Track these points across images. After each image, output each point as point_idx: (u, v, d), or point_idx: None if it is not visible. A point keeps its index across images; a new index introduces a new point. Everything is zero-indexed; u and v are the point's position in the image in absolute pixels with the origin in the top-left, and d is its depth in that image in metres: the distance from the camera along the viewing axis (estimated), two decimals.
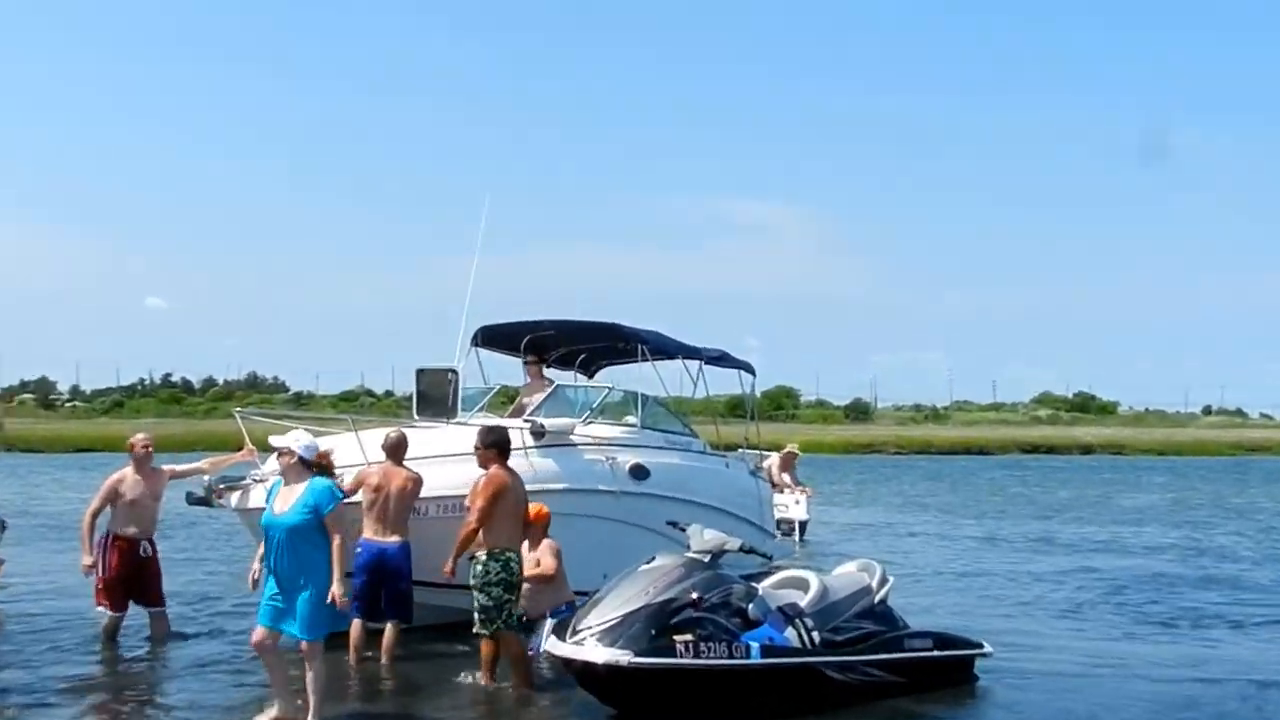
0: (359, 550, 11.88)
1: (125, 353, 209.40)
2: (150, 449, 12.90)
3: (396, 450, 12.39)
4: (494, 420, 15.46)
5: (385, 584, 11.98)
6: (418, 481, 12.23)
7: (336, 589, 9.34)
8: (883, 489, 45.15)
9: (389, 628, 12.02)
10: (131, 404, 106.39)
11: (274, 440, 10.18)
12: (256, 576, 9.77)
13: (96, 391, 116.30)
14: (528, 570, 11.14)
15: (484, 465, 11.26)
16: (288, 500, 9.52)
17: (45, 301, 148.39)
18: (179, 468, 13.39)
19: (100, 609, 12.74)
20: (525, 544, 11.26)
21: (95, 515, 12.61)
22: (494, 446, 11.26)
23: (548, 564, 11.24)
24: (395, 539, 12.03)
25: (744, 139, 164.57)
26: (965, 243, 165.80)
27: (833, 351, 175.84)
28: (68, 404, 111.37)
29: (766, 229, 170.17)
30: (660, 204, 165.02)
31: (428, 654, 12.38)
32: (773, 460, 24.59)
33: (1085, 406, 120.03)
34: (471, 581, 10.81)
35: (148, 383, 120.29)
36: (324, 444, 12.78)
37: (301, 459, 9.66)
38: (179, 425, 70.77)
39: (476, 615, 10.83)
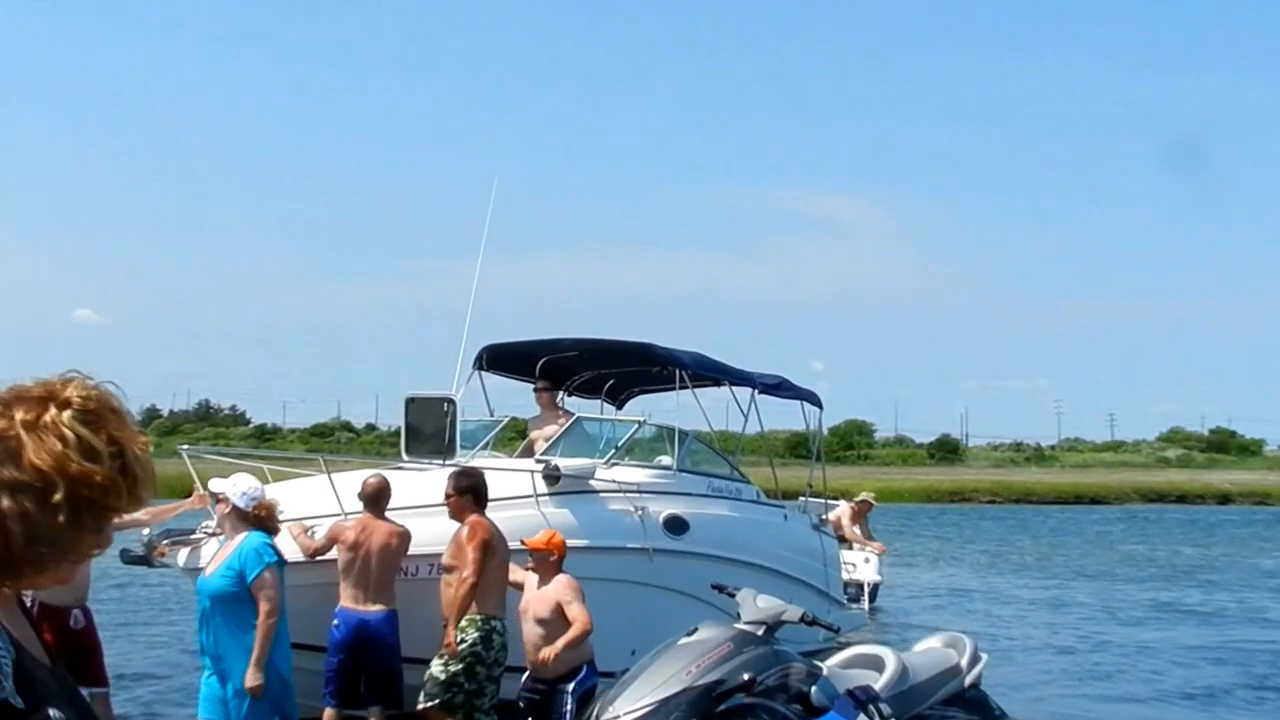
0: (335, 622, 11.85)
1: (48, 375, 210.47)
2: None
3: (377, 499, 12.24)
4: (502, 461, 15.49)
5: (367, 662, 11.90)
6: (404, 537, 12.12)
7: (250, 676, 9.28)
8: (973, 545, 44.96)
9: (372, 717, 11.99)
10: None
11: (213, 485, 10.19)
12: None
13: None
14: (540, 613, 11.10)
15: (457, 516, 11.30)
16: (218, 560, 9.52)
17: None
18: None
19: None
20: (535, 580, 11.32)
21: None
22: (469, 492, 11.31)
23: (579, 616, 11.03)
24: (378, 608, 11.94)
25: (806, 118, 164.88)
26: (1078, 245, 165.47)
27: (916, 378, 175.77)
28: None
29: (834, 226, 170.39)
30: (706, 196, 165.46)
31: None
32: (841, 510, 24.52)
33: (1223, 446, 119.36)
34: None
35: None
36: (290, 490, 12.80)
37: (237, 508, 9.65)
38: None
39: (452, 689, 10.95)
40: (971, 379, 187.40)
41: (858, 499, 26.19)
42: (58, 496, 2.41)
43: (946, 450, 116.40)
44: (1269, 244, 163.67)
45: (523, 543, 11.60)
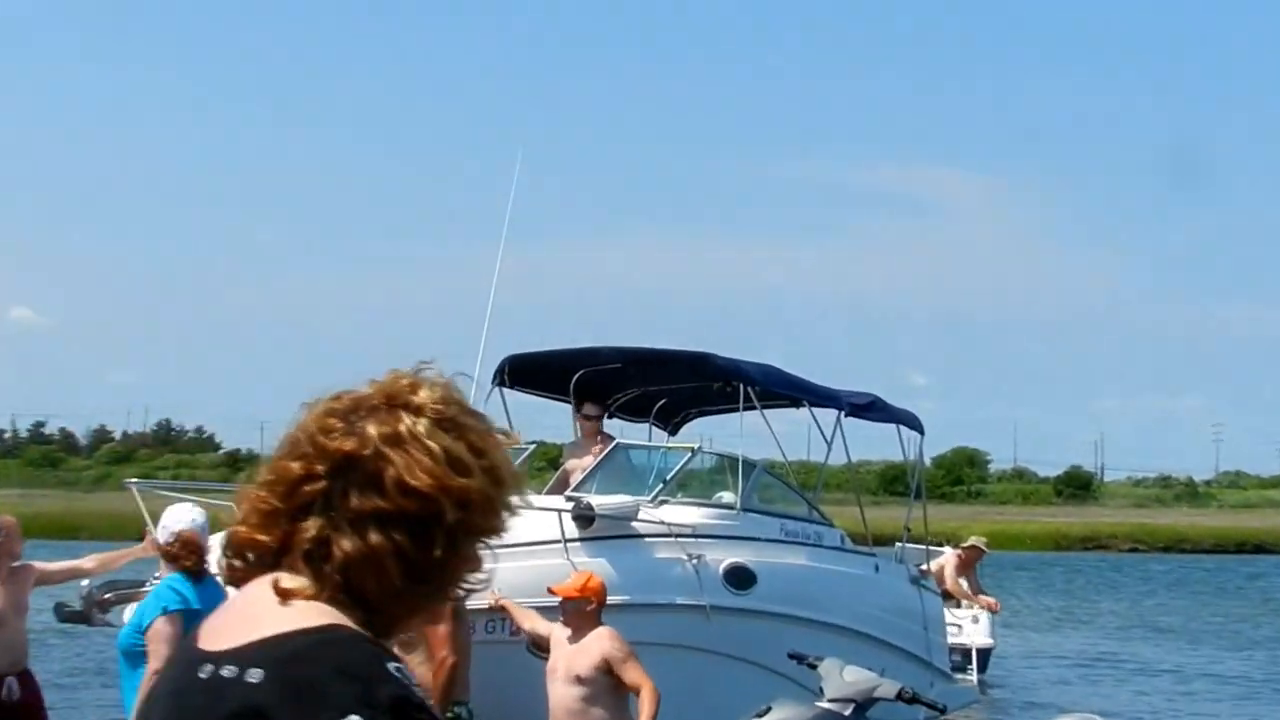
0: None
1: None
2: (12, 537, 12.81)
3: None
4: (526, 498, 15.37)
5: None
6: None
7: None
8: (1108, 603, 44.87)
9: None
10: None
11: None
12: None
13: None
14: (579, 670, 11.04)
15: None
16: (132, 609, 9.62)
17: None
18: (50, 566, 13.26)
19: None
20: (564, 634, 11.28)
21: None
22: None
23: (644, 683, 10.90)
24: None
25: (900, 75, 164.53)
26: (1241, 234, 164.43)
27: (1039, 397, 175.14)
28: None
29: (940, 208, 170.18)
30: (778, 172, 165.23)
31: None
32: (945, 559, 24.36)
33: None
34: None
35: (8, 435, 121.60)
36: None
37: (160, 545, 9.72)
38: (55, 500, 71.24)
39: None
40: (1108, 398, 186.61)
41: (965, 544, 26.06)
42: (438, 522, 2.43)
43: (1077, 486, 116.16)
44: None
45: (550, 590, 11.55)
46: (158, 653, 9.34)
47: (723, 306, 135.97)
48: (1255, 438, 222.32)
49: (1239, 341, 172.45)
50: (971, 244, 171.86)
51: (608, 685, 11.10)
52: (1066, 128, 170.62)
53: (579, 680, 11.08)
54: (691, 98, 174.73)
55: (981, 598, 25.25)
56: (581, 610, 11.24)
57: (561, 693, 11.14)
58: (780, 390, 17.13)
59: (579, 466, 16.02)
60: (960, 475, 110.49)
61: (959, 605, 24.21)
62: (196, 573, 10.00)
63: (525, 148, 18.45)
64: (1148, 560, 73.34)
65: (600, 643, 11.13)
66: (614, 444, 16.21)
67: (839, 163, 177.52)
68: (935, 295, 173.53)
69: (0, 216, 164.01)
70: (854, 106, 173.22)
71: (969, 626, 23.86)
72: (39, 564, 13.07)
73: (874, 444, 19.84)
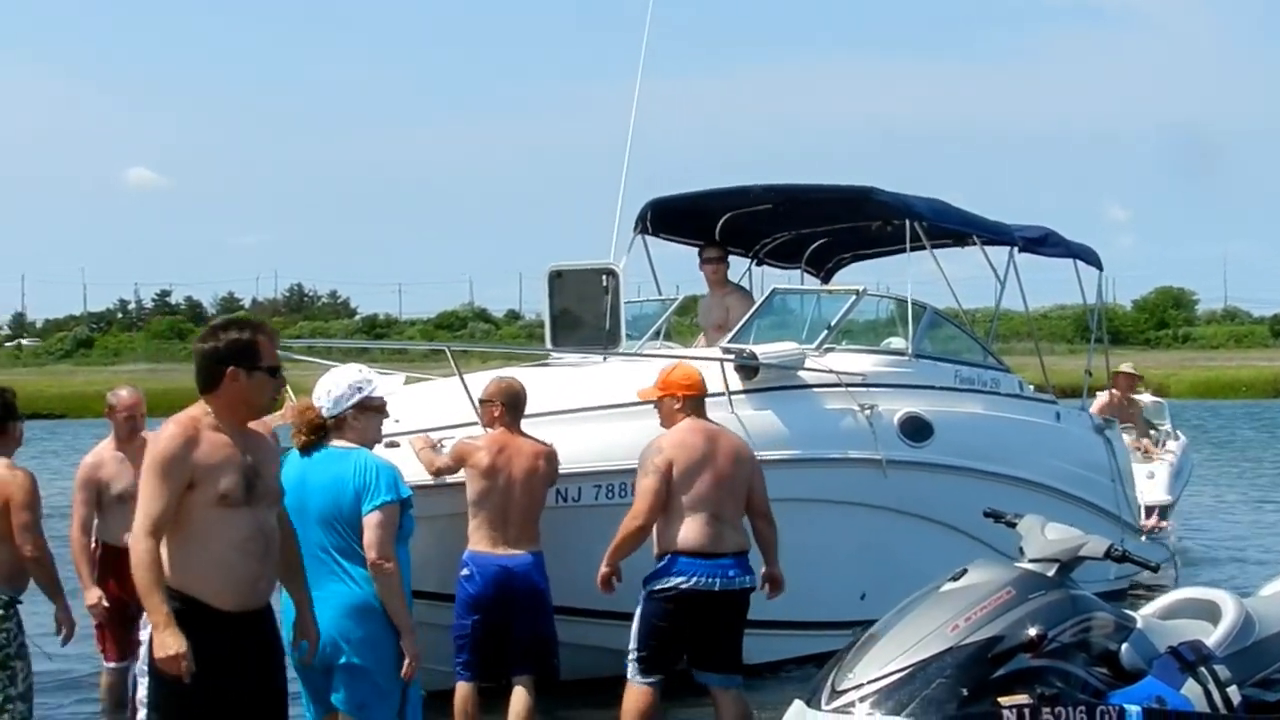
0: (465, 571, 11.80)
1: (96, 257, 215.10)
2: (137, 413, 12.93)
3: (514, 407, 12.15)
4: (677, 351, 15.40)
5: (513, 621, 11.82)
6: (552, 458, 12.08)
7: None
8: None
9: (518, 690, 11.97)
10: (107, 341, 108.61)
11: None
12: None
13: (52, 323, 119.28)
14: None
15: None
16: None
17: None
18: None
19: (107, 663, 12.77)
20: None
21: (87, 525, 12.61)
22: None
23: (635, 500, 11.03)
24: (524, 551, 11.84)
25: None
26: None
27: (1254, 228, 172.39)
28: (7, 343, 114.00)
29: (1137, 19, 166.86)
30: None
31: None
32: (1100, 402, 23.34)
33: None
34: None
35: (132, 306, 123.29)
36: (409, 395, 12.86)
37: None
38: (185, 375, 71.29)
39: None
40: None
41: (1117, 372, 24.84)
42: None
43: None
44: None
45: (639, 394, 11.75)
46: None
47: (888, 136, 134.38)
48: None
49: None
50: (1176, 58, 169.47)
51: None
52: None
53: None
54: None
55: (1142, 441, 24.46)
56: (669, 411, 11.27)
57: None
58: (948, 226, 16.97)
59: (709, 325, 16.07)
60: (1165, 318, 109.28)
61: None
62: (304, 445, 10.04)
63: None
64: None
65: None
66: (771, 290, 16.18)
67: None
68: (1135, 118, 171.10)
69: (113, 67, 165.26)
70: None
71: (1143, 481, 23.21)
72: None
73: (1066, 289, 19.56)
